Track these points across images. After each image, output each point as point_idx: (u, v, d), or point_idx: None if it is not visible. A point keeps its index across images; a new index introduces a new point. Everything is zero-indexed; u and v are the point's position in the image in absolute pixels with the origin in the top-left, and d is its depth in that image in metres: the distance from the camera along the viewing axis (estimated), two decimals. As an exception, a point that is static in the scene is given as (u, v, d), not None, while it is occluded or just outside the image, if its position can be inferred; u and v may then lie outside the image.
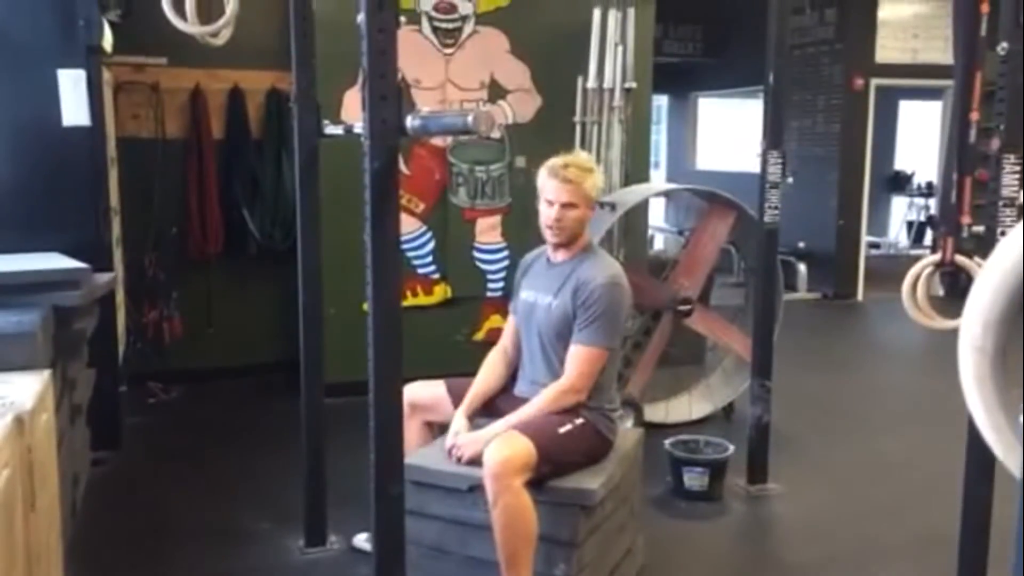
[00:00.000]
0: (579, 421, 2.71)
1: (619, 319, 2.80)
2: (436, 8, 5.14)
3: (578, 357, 2.74)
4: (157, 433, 4.57)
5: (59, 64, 3.68)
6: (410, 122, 1.90)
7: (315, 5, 3.14)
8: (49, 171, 3.73)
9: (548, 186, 2.78)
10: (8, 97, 3.66)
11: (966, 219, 2.78)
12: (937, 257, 2.86)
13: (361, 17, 1.86)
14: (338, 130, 2.81)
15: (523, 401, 2.81)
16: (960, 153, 2.78)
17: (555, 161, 2.81)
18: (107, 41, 3.94)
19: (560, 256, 2.87)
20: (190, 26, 2.84)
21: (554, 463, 2.61)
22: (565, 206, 2.76)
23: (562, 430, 2.65)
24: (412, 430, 2.80)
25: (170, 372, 5.16)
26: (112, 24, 4.00)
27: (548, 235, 2.83)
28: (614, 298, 2.77)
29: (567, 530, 2.60)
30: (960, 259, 2.81)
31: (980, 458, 2.59)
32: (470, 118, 1.80)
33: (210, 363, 5.32)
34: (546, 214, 2.79)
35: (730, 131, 12.10)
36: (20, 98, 3.69)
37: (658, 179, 10.80)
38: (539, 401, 2.73)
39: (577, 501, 2.61)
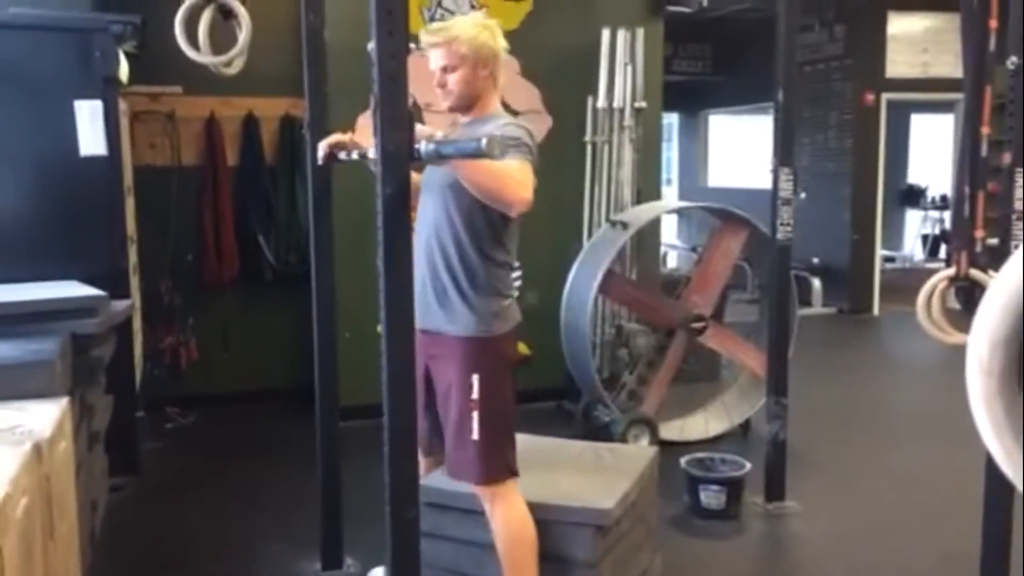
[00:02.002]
0: (475, 380, 2.47)
1: (531, 146, 2.47)
2: (446, 32, 5.17)
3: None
4: (174, 458, 4.59)
5: (76, 95, 3.74)
6: (424, 147, 1.92)
7: (327, 33, 3.18)
8: (67, 200, 3.77)
9: (428, 59, 2.57)
10: (27, 127, 3.71)
11: (980, 233, 2.77)
12: (952, 271, 2.85)
13: (372, 45, 1.88)
14: (351, 155, 2.83)
15: (433, 355, 2.56)
16: (972, 167, 2.78)
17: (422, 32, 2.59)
18: (123, 72, 3.99)
19: (463, 120, 2.63)
20: (203, 56, 2.88)
21: (502, 427, 2.52)
22: (444, 70, 2.54)
23: (476, 414, 2.46)
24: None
25: (186, 397, 5.19)
26: (128, 55, 4.06)
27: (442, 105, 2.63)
28: (517, 128, 2.48)
29: (583, 550, 2.59)
30: (975, 273, 2.80)
31: (1000, 475, 2.56)
32: (483, 142, 1.82)
33: (226, 388, 5.35)
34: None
35: (740, 148, 12.11)
36: (38, 128, 3.74)
37: (670, 196, 10.81)
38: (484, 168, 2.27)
39: (592, 520, 2.60)
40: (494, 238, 2.53)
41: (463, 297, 2.51)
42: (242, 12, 2.89)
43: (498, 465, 2.53)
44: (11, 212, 3.69)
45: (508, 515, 2.53)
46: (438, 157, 1.98)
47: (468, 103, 2.58)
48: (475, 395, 2.48)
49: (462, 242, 2.51)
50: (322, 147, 2.62)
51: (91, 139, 3.78)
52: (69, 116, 3.74)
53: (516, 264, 2.67)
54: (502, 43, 2.59)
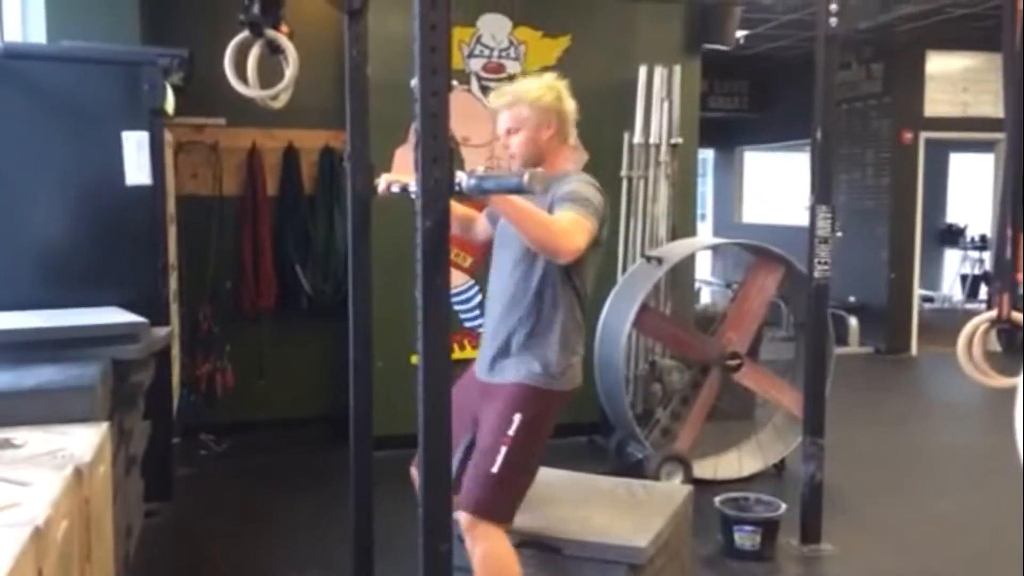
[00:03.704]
0: (516, 420, 2.49)
1: (594, 203, 2.55)
2: (485, 68, 5.26)
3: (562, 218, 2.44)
4: (208, 484, 4.62)
5: (124, 126, 3.82)
6: (466, 181, 1.94)
7: (368, 68, 3.23)
8: (111, 228, 3.84)
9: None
10: (75, 157, 3.80)
11: (1022, 275, 2.74)
12: (993, 314, 2.81)
13: (415, 81, 1.91)
14: (393, 188, 2.86)
15: (484, 394, 2.61)
16: (1014, 208, 2.75)
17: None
18: (169, 104, 4.08)
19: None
20: (251, 90, 2.93)
21: (521, 475, 2.53)
22: (508, 132, 2.61)
23: (504, 449, 2.47)
24: None
25: (221, 424, 5.23)
26: (174, 87, 4.16)
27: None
28: (585, 186, 2.57)
29: (616, 589, 2.57)
30: (1016, 316, 2.76)
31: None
32: (525, 177, 1.84)
33: (261, 415, 5.39)
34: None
35: (775, 184, 12.07)
36: (86, 158, 3.82)
37: (704, 232, 10.78)
38: (531, 212, 2.36)
39: (625, 559, 2.58)
40: (570, 295, 2.58)
41: (531, 348, 2.55)
42: (289, 47, 2.95)
43: (498, 505, 2.50)
44: (57, 239, 3.76)
45: (488, 550, 2.47)
46: (480, 192, 1.99)
47: (534, 164, 2.58)
48: (511, 432, 2.49)
49: (540, 297, 2.56)
50: (383, 181, 2.67)
51: (137, 169, 3.86)
52: (116, 146, 3.82)
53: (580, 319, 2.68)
54: (570, 104, 2.65)
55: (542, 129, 2.60)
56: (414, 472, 2.73)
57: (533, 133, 2.59)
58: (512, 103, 2.59)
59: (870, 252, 8.47)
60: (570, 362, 2.59)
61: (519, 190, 1.88)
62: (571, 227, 2.42)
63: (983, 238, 10.88)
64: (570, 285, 2.58)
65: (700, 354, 4.78)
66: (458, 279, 5.20)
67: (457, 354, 5.13)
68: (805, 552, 3.77)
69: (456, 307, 5.23)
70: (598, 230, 2.56)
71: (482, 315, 5.46)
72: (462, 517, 2.50)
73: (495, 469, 2.48)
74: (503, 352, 2.60)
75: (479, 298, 5.30)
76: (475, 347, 5.29)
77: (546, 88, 2.61)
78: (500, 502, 2.50)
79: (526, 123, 2.58)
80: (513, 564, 2.50)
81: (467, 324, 5.30)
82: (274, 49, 2.98)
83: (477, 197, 2.23)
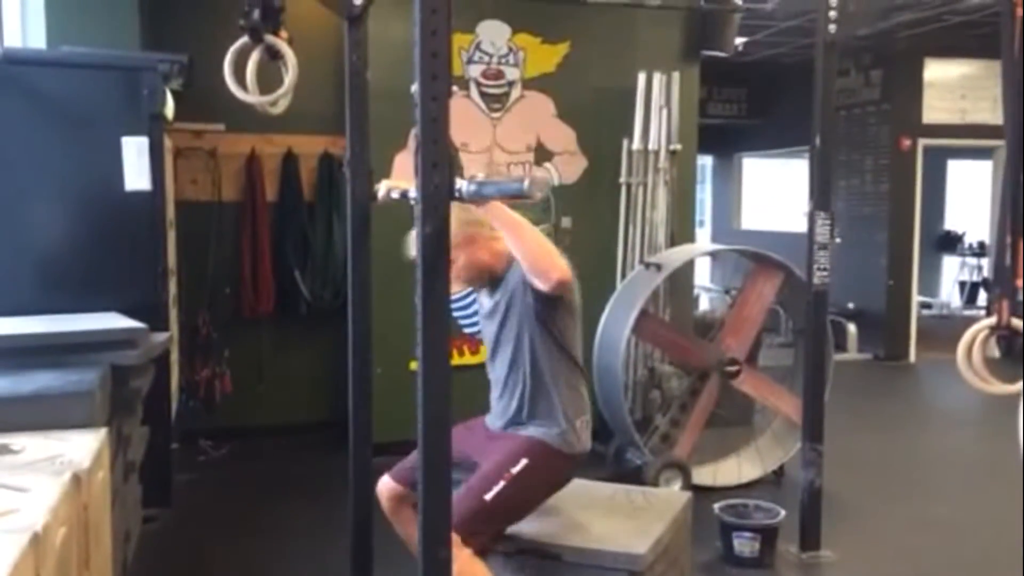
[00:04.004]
0: (522, 463, 2.59)
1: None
2: (484, 75, 5.27)
3: None
4: (207, 490, 4.62)
5: (123, 131, 3.83)
6: (466, 187, 1.94)
7: (368, 74, 3.23)
8: (110, 233, 3.85)
9: None
10: (75, 162, 3.81)
11: (1021, 282, 2.74)
12: (993, 320, 2.82)
13: (415, 87, 1.91)
14: (393, 194, 2.86)
15: (491, 438, 2.75)
16: (1013, 215, 2.75)
17: None
18: (169, 109, 4.09)
19: (485, 294, 2.88)
20: (251, 96, 2.93)
21: (507, 515, 2.59)
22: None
23: (502, 483, 2.55)
24: (407, 518, 2.75)
25: (220, 429, 5.23)
26: (174, 93, 4.16)
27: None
28: None
29: (615, 596, 2.56)
30: (1016, 322, 2.76)
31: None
32: (526, 183, 1.83)
33: (259, 421, 5.39)
34: None
35: (774, 191, 12.09)
36: (86, 163, 3.83)
37: (703, 239, 10.78)
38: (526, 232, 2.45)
39: (625, 566, 2.57)
40: (566, 365, 2.70)
41: (541, 417, 2.67)
42: (289, 53, 2.95)
43: (478, 527, 2.51)
44: (57, 244, 3.77)
45: (463, 567, 2.43)
46: (480, 197, 1.99)
47: (485, 275, 2.81)
48: (514, 471, 2.57)
49: (536, 368, 2.68)
50: (383, 187, 2.77)
51: (136, 174, 3.86)
52: (116, 151, 3.83)
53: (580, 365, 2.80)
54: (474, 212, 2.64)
55: (479, 249, 2.75)
56: (384, 485, 2.80)
57: (471, 254, 2.75)
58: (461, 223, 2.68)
59: (868, 259, 8.48)
60: (581, 428, 2.72)
61: (519, 195, 1.88)
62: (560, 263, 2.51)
63: (981, 245, 10.89)
64: (563, 354, 2.70)
65: (699, 360, 4.78)
66: (459, 285, 5.19)
67: (456, 360, 5.12)
68: (804, 559, 3.76)
69: (456, 313, 5.22)
70: (572, 295, 2.68)
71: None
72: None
73: (488, 497, 2.54)
74: (515, 422, 2.73)
75: (476, 305, 5.31)
76: (474, 353, 5.32)
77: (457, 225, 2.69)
78: (480, 525, 2.52)
79: (460, 247, 2.69)
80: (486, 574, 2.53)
81: (467, 330, 5.29)
82: (273, 55, 2.97)
83: (476, 202, 2.21)
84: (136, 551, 3.58)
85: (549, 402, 2.67)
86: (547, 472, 2.66)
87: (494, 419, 2.85)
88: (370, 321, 3.21)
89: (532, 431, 2.67)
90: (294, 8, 3.26)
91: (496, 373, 2.83)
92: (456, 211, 2.58)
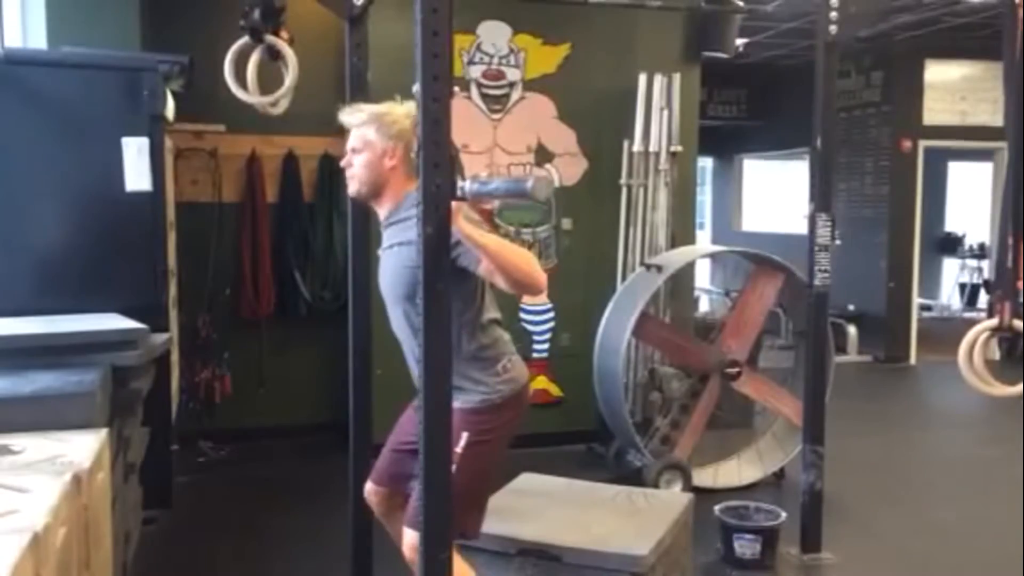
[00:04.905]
0: (464, 437, 2.41)
1: None
2: (484, 76, 5.27)
3: None
4: (207, 492, 4.61)
5: (124, 132, 3.82)
6: (468, 186, 1.93)
7: (368, 74, 3.23)
8: (111, 234, 3.84)
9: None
10: (75, 163, 3.80)
11: (1022, 283, 2.74)
12: (994, 322, 2.82)
13: (416, 87, 1.91)
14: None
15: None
16: (1015, 216, 2.75)
17: None
18: (169, 110, 4.09)
19: (382, 212, 2.59)
20: (251, 96, 2.94)
21: (476, 490, 2.45)
22: (353, 151, 2.53)
23: (454, 467, 2.22)
24: (400, 519, 2.59)
25: (220, 431, 5.22)
26: (174, 93, 4.16)
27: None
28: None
29: (616, 597, 2.56)
30: (1017, 324, 2.76)
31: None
32: (530, 183, 1.83)
33: (260, 422, 5.38)
34: None
35: (775, 192, 12.08)
36: (86, 164, 3.83)
37: (703, 240, 10.78)
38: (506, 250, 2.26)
39: (626, 567, 2.57)
40: (462, 326, 2.45)
41: (461, 378, 2.40)
42: (289, 53, 2.96)
43: (458, 520, 2.32)
44: (57, 245, 3.76)
45: None
46: (483, 196, 1.98)
47: (371, 190, 2.54)
48: (459, 449, 2.38)
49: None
50: None
51: (137, 175, 3.86)
52: (116, 152, 3.83)
53: (498, 317, 2.57)
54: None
55: (386, 157, 2.50)
56: (369, 491, 2.71)
57: (376, 158, 2.50)
58: (362, 123, 2.51)
59: (869, 261, 8.48)
60: (505, 370, 2.52)
61: (524, 194, 1.87)
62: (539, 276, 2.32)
63: (981, 247, 10.89)
64: (465, 306, 2.46)
65: (699, 362, 4.78)
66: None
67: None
68: (805, 561, 3.76)
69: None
70: None
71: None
72: (410, 536, 2.40)
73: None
74: None
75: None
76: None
77: (402, 116, 2.50)
78: (456, 513, 2.30)
79: (370, 146, 2.50)
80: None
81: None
82: (274, 55, 2.98)
83: (479, 201, 2.19)
84: (136, 552, 3.57)
85: (457, 362, 2.31)
86: (493, 432, 2.49)
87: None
88: (370, 322, 3.21)
89: (456, 398, 2.32)
90: (294, 8, 3.27)
91: (402, 332, 2.58)
92: (399, 117, 2.47)
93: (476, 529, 2.52)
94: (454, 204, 1.94)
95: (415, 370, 2.49)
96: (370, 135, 2.50)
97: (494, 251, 2.20)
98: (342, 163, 2.58)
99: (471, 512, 2.48)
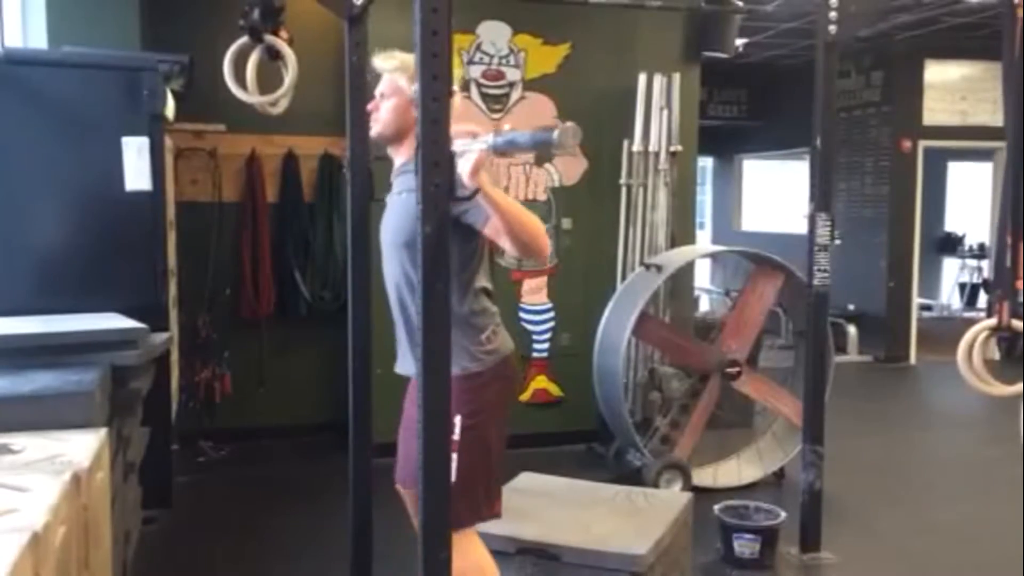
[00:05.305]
0: (457, 421, 2.35)
1: None
2: (484, 76, 5.27)
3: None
4: (207, 492, 4.61)
5: (124, 131, 3.82)
6: (495, 139, 1.92)
7: (369, 74, 3.23)
8: (111, 234, 3.84)
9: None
10: (75, 162, 3.80)
11: (1022, 283, 2.74)
12: (993, 321, 2.82)
13: (415, 87, 1.91)
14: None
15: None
16: (1014, 216, 2.75)
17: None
18: (169, 110, 4.09)
19: (398, 159, 2.58)
20: (251, 96, 2.94)
21: (483, 473, 2.42)
22: (382, 96, 2.54)
23: (455, 455, 2.25)
24: None
25: (220, 431, 5.23)
26: (174, 93, 4.16)
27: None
28: None
29: (616, 597, 2.56)
30: (1017, 324, 2.76)
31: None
32: (556, 134, 1.81)
33: (260, 422, 5.38)
34: None
35: (774, 192, 12.08)
36: (86, 163, 3.83)
37: (703, 240, 10.78)
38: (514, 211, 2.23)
39: (625, 567, 2.57)
40: (458, 283, 2.41)
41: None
42: (289, 53, 2.95)
43: (463, 511, 2.35)
44: (57, 244, 3.76)
45: (459, 566, 2.23)
46: (511, 148, 1.95)
47: (393, 136, 2.54)
48: (455, 436, 2.34)
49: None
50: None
51: (137, 174, 3.86)
52: (116, 152, 3.83)
53: (489, 287, 2.54)
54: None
55: (413, 106, 2.41)
56: (403, 494, 2.66)
57: (403, 105, 2.49)
58: (395, 68, 2.51)
59: (869, 261, 8.48)
60: (489, 340, 2.47)
61: (550, 145, 1.85)
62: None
63: (981, 247, 10.89)
64: (462, 267, 2.42)
65: (700, 362, 4.78)
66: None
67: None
68: (805, 560, 3.76)
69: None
70: None
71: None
72: None
73: (452, 479, 2.32)
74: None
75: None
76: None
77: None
78: (462, 506, 2.33)
79: (400, 93, 2.50)
80: (491, 570, 2.44)
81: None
82: (274, 55, 2.98)
83: (509, 154, 2.14)
84: (136, 552, 3.57)
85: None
86: (483, 411, 2.44)
87: (404, 350, 2.58)
88: (370, 322, 3.21)
89: None
90: (294, 8, 3.27)
91: (392, 287, 2.56)
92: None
93: (495, 510, 2.47)
94: (480, 155, 1.93)
95: (401, 330, 2.52)
96: (402, 82, 2.51)
97: (505, 208, 2.20)
98: (368, 107, 2.58)
99: (483, 495, 2.45)
